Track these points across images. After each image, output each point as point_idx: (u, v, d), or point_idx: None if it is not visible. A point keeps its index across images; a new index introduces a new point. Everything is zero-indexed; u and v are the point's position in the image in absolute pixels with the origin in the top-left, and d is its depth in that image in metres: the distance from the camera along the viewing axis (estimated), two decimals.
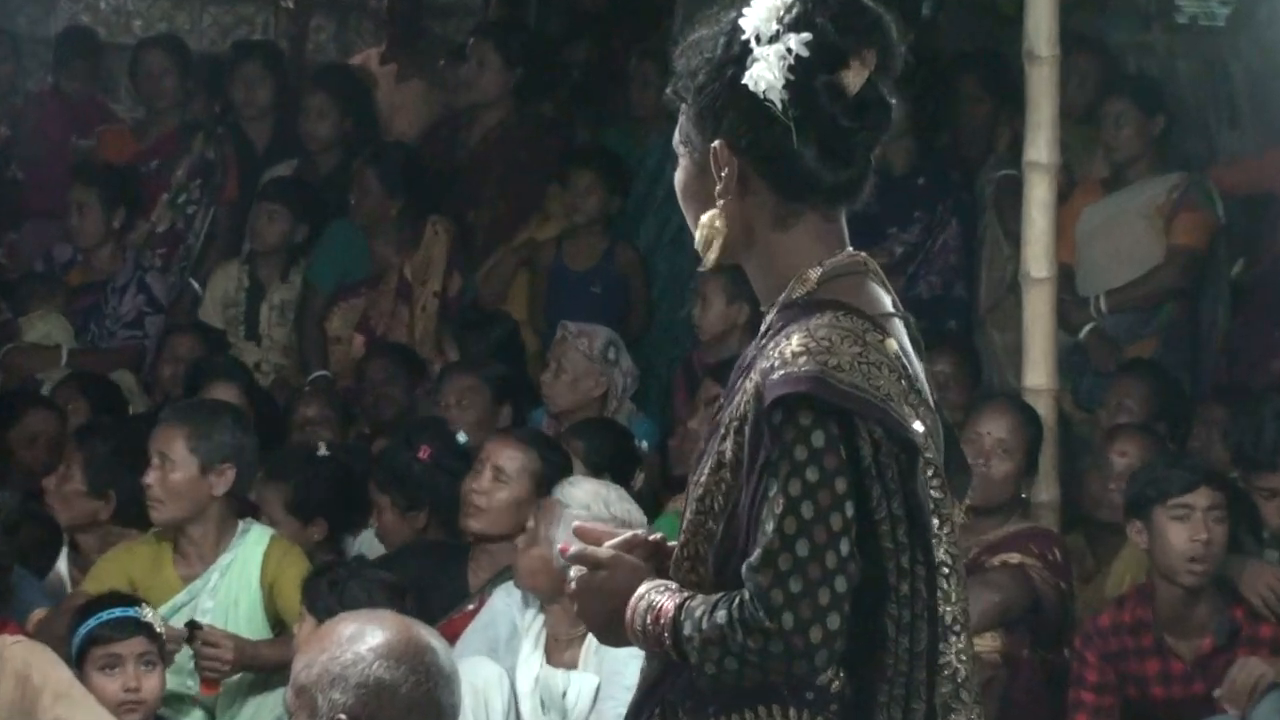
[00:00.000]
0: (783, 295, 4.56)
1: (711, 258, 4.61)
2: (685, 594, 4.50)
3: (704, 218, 4.60)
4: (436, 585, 9.25)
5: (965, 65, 11.83)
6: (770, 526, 4.28)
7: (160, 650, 8.49)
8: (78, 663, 8.23)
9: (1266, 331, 10.94)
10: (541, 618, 8.85)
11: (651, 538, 4.94)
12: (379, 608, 8.19)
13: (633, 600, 4.59)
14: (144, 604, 8.70)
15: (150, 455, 9.20)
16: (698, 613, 4.39)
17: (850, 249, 4.57)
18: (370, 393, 11.22)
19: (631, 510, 8.57)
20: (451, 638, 8.50)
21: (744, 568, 4.33)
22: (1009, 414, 9.39)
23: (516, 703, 8.66)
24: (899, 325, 4.61)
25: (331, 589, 8.43)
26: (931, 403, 4.68)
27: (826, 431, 4.27)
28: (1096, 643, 8.95)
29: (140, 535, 9.51)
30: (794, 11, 4.48)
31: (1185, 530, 8.60)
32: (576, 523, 5.34)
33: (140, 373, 11.43)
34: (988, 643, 9.01)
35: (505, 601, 8.94)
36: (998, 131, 11.00)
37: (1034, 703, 9.02)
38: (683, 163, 4.74)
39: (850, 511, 4.30)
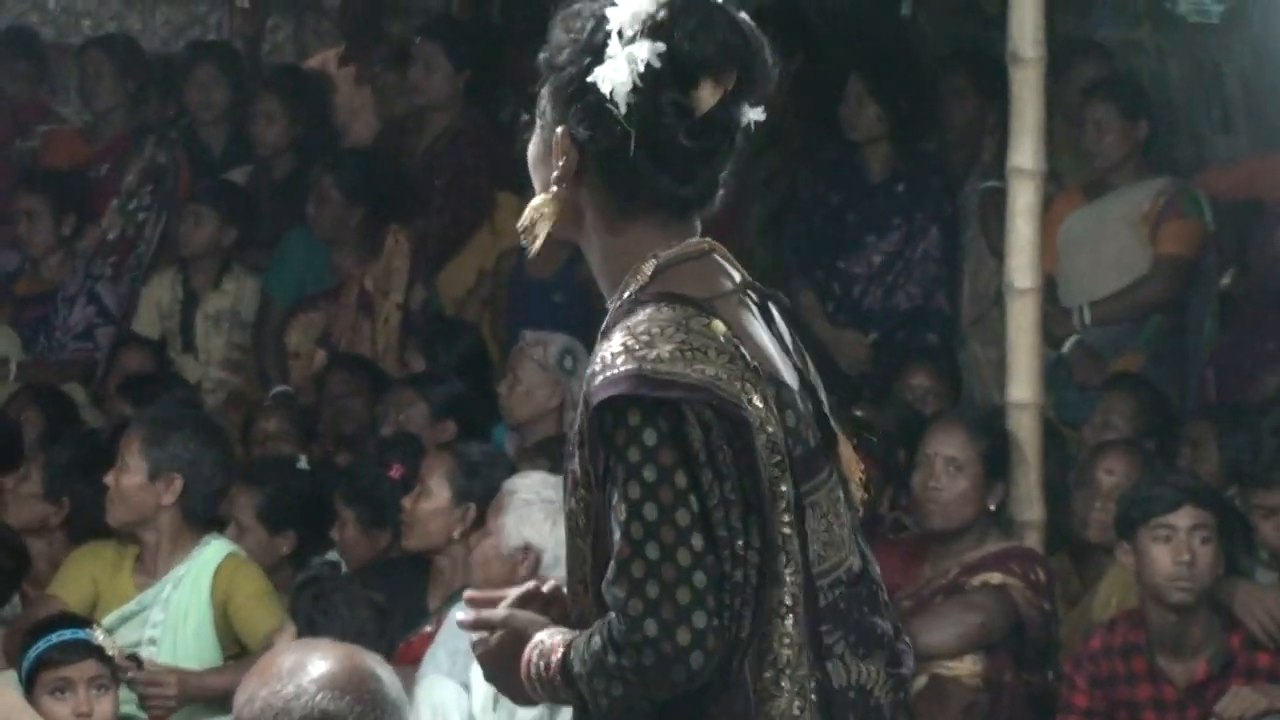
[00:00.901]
0: (619, 294, 4.59)
1: (536, 244, 4.67)
2: (574, 633, 4.52)
3: (534, 200, 4.66)
4: (397, 605, 9.23)
5: (949, 65, 11.74)
6: (618, 535, 4.32)
7: (113, 673, 8.42)
8: (27, 687, 8.20)
9: (1257, 345, 10.90)
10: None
11: (547, 586, 4.98)
12: (361, 623, 8.28)
13: (527, 651, 4.62)
14: (95, 626, 8.62)
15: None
16: (581, 646, 4.42)
17: (690, 240, 4.59)
18: (330, 406, 11.20)
19: None
20: (412, 660, 8.83)
21: (603, 585, 4.39)
22: (956, 430, 9.42)
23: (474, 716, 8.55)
24: (741, 301, 4.63)
25: (315, 602, 8.49)
26: (793, 373, 4.68)
27: (656, 428, 4.30)
28: (1086, 667, 8.90)
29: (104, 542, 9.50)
30: (658, 17, 4.50)
31: (1169, 551, 8.57)
32: (468, 591, 5.43)
33: (91, 385, 11.36)
34: (969, 666, 9.09)
35: (464, 612, 8.82)
36: (984, 140, 10.85)
37: None
38: (536, 135, 4.74)
39: (696, 505, 4.32)
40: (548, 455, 9.14)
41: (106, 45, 13.85)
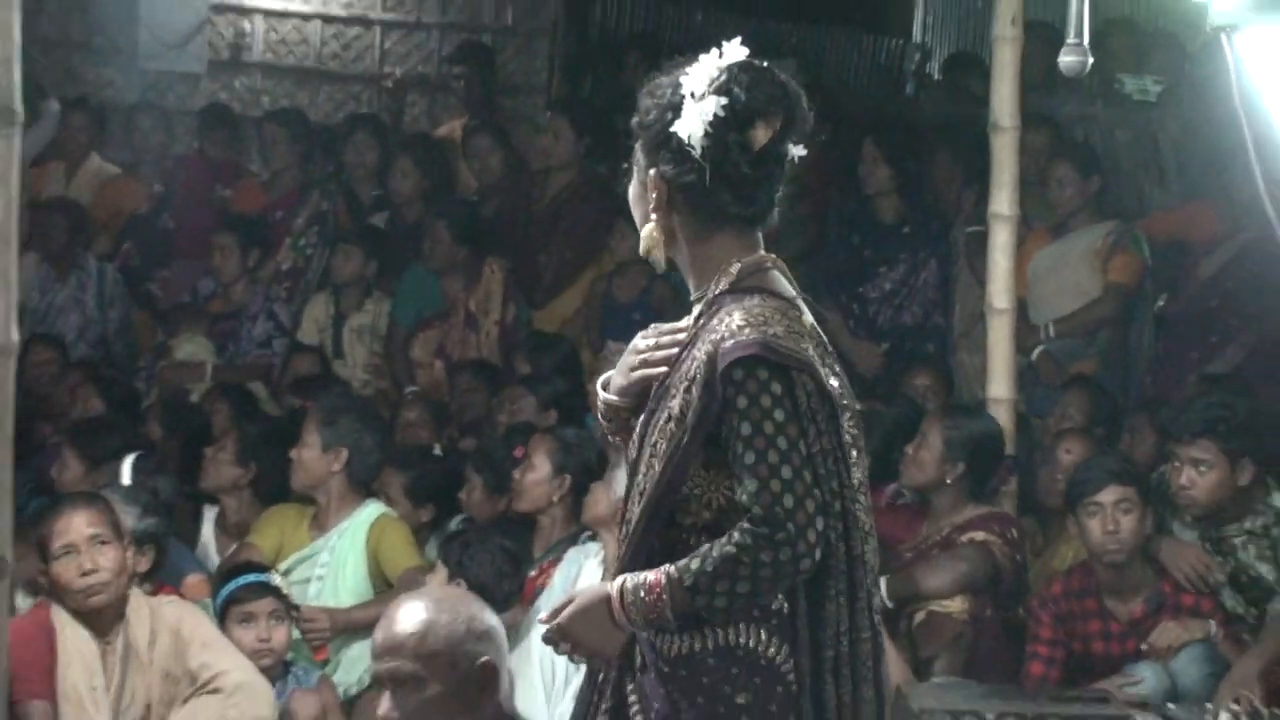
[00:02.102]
0: (709, 288, 4.85)
1: (659, 259, 4.95)
2: (659, 568, 4.62)
3: (645, 229, 4.91)
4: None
5: (942, 136, 11.81)
6: (753, 459, 4.52)
7: (287, 607, 8.56)
8: (220, 618, 8.27)
9: (1185, 354, 11.01)
10: (598, 545, 8.92)
11: None
12: (500, 565, 8.37)
13: (614, 592, 4.68)
14: (274, 570, 8.83)
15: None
16: (694, 564, 4.54)
17: (761, 252, 4.90)
18: (458, 401, 11.27)
19: None
20: (526, 597, 8.84)
21: (742, 497, 4.54)
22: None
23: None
24: (805, 307, 4.88)
25: (464, 549, 8.53)
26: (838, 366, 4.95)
27: (782, 382, 4.55)
28: (1049, 606, 8.97)
29: (291, 505, 9.66)
30: (720, 79, 4.76)
31: (1098, 523, 8.62)
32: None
33: (269, 383, 11.45)
34: (958, 604, 8.99)
35: (575, 551, 9.08)
36: (965, 193, 11.00)
37: (996, 654, 9.01)
38: (634, 178, 5.02)
39: (804, 448, 4.56)
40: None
41: (281, 118, 13.72)
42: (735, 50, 4.85)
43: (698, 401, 4.62)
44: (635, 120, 4.97)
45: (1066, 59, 7.90)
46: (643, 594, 4.59)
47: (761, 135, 4.73)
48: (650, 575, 4.60)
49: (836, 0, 10.77)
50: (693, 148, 4.70)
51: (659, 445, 4.74)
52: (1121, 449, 9.81)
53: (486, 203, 12.52)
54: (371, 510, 9.36)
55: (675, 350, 4.97)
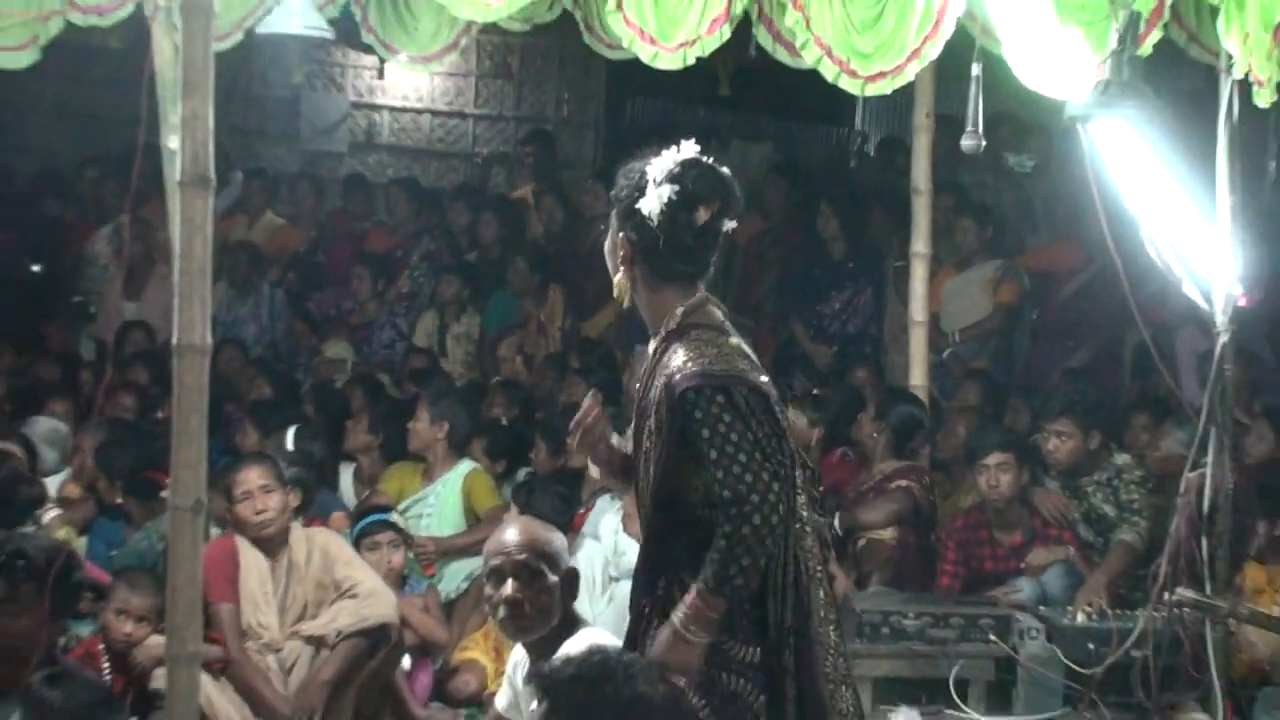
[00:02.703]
0: (661, 329, 4.82)
1: (625, 302, 4.97)
2: (693, 588, 4.58)
3: (616, 278, 4.96)
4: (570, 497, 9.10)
5: (876, 198, 11.77)
6: (715, 455, 4.52)
7: (404, 537, 8.55)
8: (356, 544, 8.23)
9: (1051, 355, 11.02)
10: (620, 501, 8.75)
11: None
12: (556, 505, 8.36)
13: (676, 625, 4.58)
14: (394, 510, 8.86)
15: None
16: (708, 571, 4.53)
17: (701, 293, 4.86)
18: (540, 388, 11.22)
19: None
20: (576, 527, 8.76)
21: (717, 489, 4.52)
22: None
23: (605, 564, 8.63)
24: (732, 330, 4.87)
25: (530, 493, 8.50)
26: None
27: (723, 395, 4.55)
28: (953, 535, 8.95)
29: (408, 461, 9.65)
30: (675, 170, 4.74)
31: (984, 480, 8.71)
32: None
33: (393, 375, 11.43)
34: (889, 534, 9.06)
35: (603, 500, 8.94)
36: (892, 239, 10.97)
37: (915, 570, 9.00)
38: (609, 236, 4.99)
39: (752, 438, 4.53)
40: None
41: (401, 184, 13.73)
42: (689, 148, 4.85)
43: (666, 422, 4.65)
44: (612, 192, 5.01)
45: (966, 142, 7.85)
46: (690, 612, 4.52)
47: (703, 215, 4.73)
48: (688, 598, 4.55)
49: (801, 98, 10.71)
50: (651, 221, 4.70)
51: (649, 452, 4.78)
52: (1005, 424, 9.81)
53: (550, 245, 12.48)
54: (465, 466, 9.38)
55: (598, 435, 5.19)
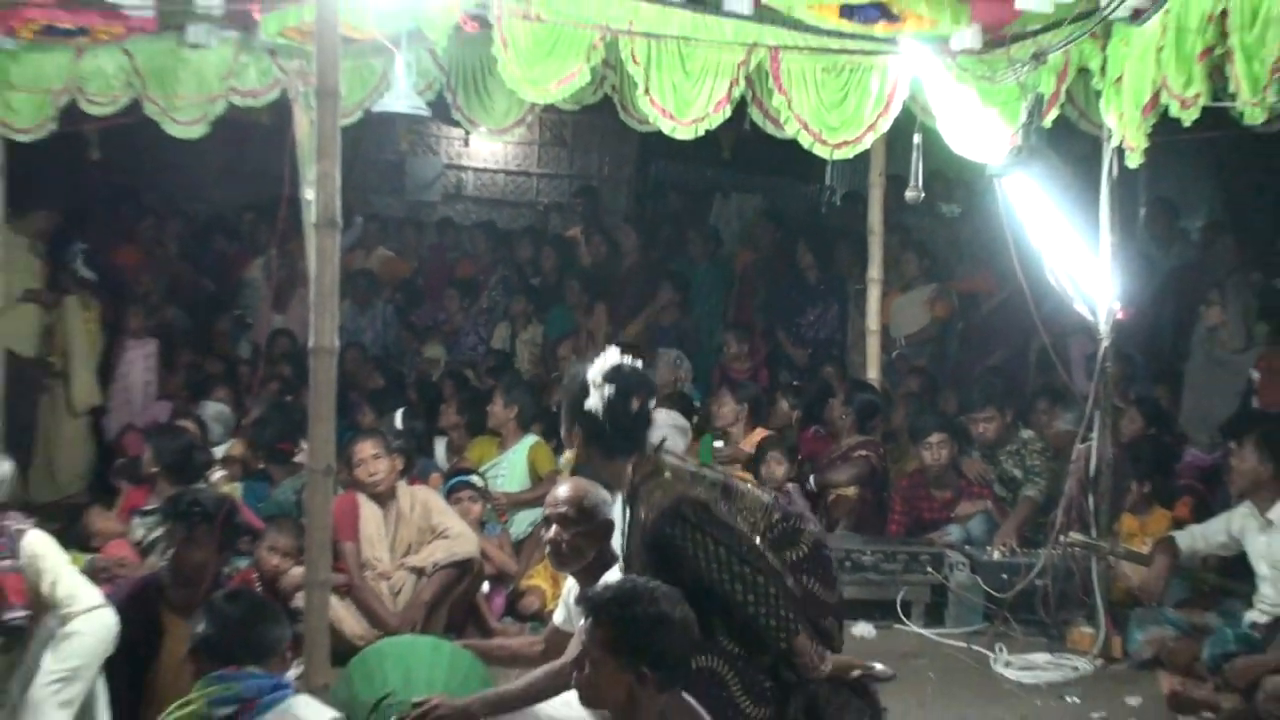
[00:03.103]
0: (621, 493, 4.62)
1: (576, 461, 4.99)
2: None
3: (568, 453, 4.97)
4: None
5: (840, 237, 11.72)
6: (715, 571, 4.31)
7: (483, 494, 8.52)
8: (447, 498, 8.14)
9: (974, 356, 10.98)
10: None
11: None
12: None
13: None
14: (476, 473, 8.80)
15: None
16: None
17: (639, 454, 4.59)
18: None
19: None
20: None
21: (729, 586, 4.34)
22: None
23: None
24: (675, 460, 4.65)
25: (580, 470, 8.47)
26: (715, 474, 4.70)
27: (684, 522, 4.33)
28: (900, 492, 8.98)
29: (487, 435, 9.54)
30: (609, 373, 4.61)
31: (928, 454, 8.79)
32: None
33: (476, 371, 11.41)
34: (852, 491, 9.09)
35: None
36: (853, 268, 10.88)
37: (871, 518, 8.99)
38: (562, 425, 4.84)
39: (725, 546, 4.35)
40: (668, 405, 9.04)
41: (482, 227, 13.69)
42: (614, 354, 4.75)
43: (651, 561, 4.41)
44: (556, 397, 4.95)
45: (909, 194, 7.91)
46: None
47: (636, 404, 4.59)
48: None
49: (784, 161, 10.71)
50: (598, 414, 4.56)
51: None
52: (939, 408, 9.78)
53: (595, 272, 12.40)
54: (530, 439, 9.26)
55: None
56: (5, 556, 5.38)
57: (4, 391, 9.86)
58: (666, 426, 8.46)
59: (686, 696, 3.89)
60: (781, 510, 4.67)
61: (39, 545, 5.49)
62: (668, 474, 4.52)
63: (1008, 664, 7.38)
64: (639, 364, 4.72)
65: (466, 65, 8.48)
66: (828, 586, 4.68)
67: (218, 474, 8.74)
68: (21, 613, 5.37)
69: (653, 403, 4.75)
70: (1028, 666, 7.35)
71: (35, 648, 5.38)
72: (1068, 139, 8.10)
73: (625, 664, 3.76)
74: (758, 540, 4.52)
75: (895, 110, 7.68)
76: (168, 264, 12.77)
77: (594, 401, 4.58)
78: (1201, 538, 7.36)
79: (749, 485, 4.78)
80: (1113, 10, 6.22)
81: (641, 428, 4.65)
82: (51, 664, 5.26)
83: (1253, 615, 6.89)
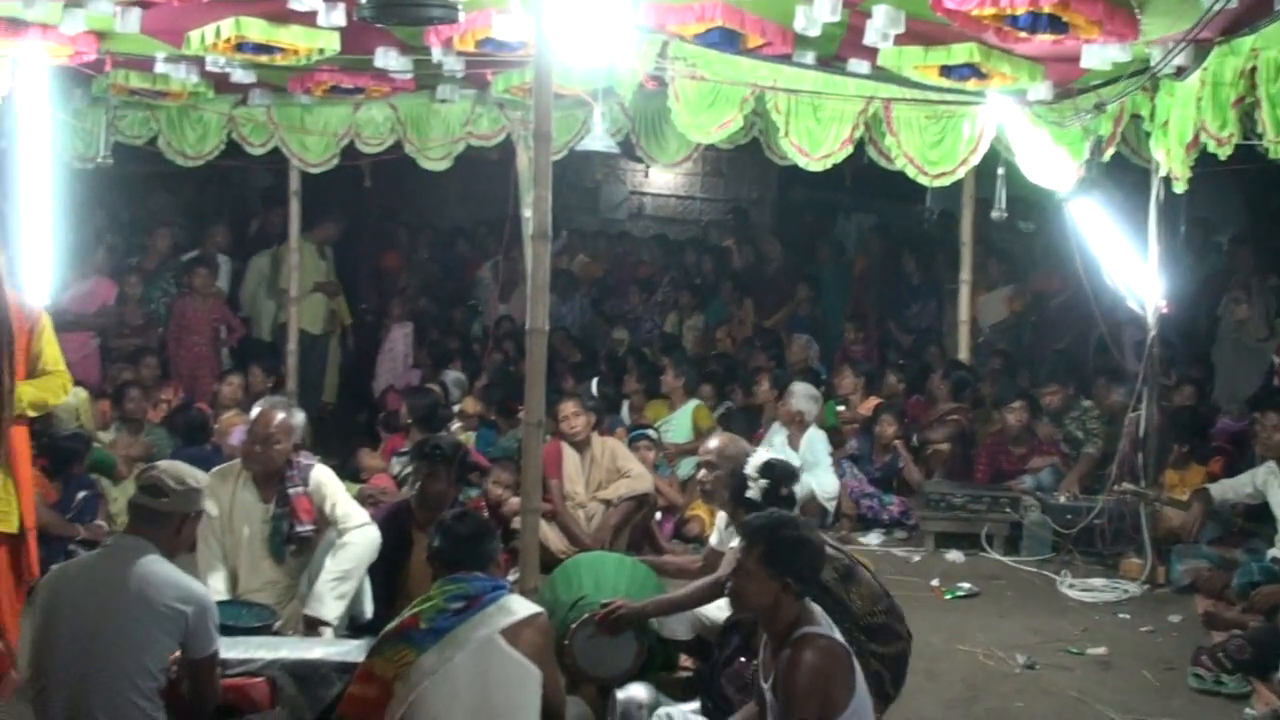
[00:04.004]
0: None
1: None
2: None
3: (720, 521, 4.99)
4: None
5: (938, 248, 11.47)
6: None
7: (657, 444, 8.51)
8: (629, 447, 8.07)
9: (1045, 342, 10.67)
10: (785, 426, 8.48)
11: None
12: (744, 429, 8.12)
13: None
14: (651, 428, 8.74)
15: None
16: None
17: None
18: (740, 357, 10.78)
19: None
20: (757, 439, 8.46)
21: None
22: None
23: None
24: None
25: (728, 420, 8.58)
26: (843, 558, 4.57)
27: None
28: (986, 448, 8.70)
29: (660, 399, 9.43)
30: (762, 469, 4.68)
31: (1010, 417, 8.58)
32: None
33: (652, 350, 11.15)
34: (946, 446, 8.81)
35: (775, 426, 8.61)
36: (947, 272, 10.53)
37: (961, 470, 8.72)
38: (717, 500, 5.01)
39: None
40: (803, 379, 8.88)
41: (658, 239, 13.67)
42: (764, 454, 4.78)
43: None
44: (721, 487, 4.87)
45: (994, 213, 7.83)
46: None
47: (785, 491, 4.68)
48: None
49: (893, 187, 10.47)
50: (756, 500, 4.63)
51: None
52: (1017, 382, 9.51)
53: (745, 274, 12.16)
54: (693, 402, 9.21)
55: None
56: (298, 485, 5.52)
57: (298, 359, 10.16)
58: (804, 396, 8.44)
59: (812, 603, 3.87)
60: (887, 605, 4.59)
61: (323, 476, 5.60)
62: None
63: (1071, 586, 7.27)
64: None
65: (648, 114, 8.52)
66: (894, 686, 4.53)
67: (455, 425, 8.87)
68: (310, 527, 5.51)
69: (796, 486, 4.76)
70: (1087, 589, 7.23)
71: (319, 554, 5.52)
72: (1122, 171, 7.99)
73: (773, 574, 3.76)
74: (860, 622, 4.43)
75: (984, 148, 7.61)
76: (420, 266, 12.98)
77: (754, 492, 4.59)
78: (1231, 489, 7.25)
79: (869, 574, 4.68)
80: (1160, 68, 6.11)
81: (790, 507, 4.60)
82: (331, 566, 5.36)
83: (1274, 552, 6.76)
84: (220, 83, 7.99)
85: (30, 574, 5.11)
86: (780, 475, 4.62)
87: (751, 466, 4.64)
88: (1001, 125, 7.52)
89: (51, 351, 5.17)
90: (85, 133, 8.87)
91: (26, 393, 5.04)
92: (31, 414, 5.16)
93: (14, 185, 6.94)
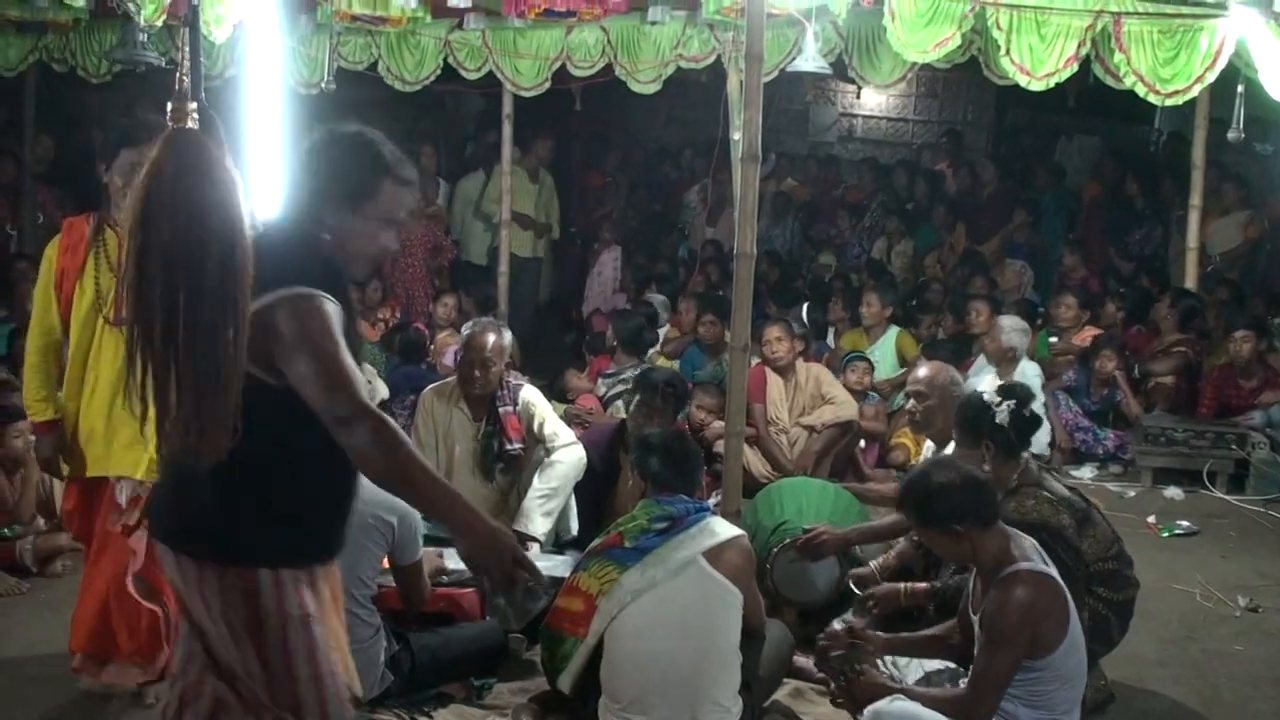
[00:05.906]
0: (1000, 488, 4.22)
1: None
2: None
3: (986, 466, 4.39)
4: None
5: (1164, 170, 10.90)
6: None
7: (869, 369, 8.39)
8: (838, 373, 8.08)
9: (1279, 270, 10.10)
10: (992, 365, 8.28)
11: None
12: (951, 358, 7.85)
13: None
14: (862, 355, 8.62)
15: None
16: None
17: (1019, 461, 4.43)
18: (951, 281, 10.50)
19: None
20: (965, 368, 8.32)
21: None
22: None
23: None
24: (1052, 477, 4.39)
25: (934, 348, 8.23)
26: (1080, 502, 4.42)
27: (1038, 534, 4.00)
28: (1212, 381, 8.32)
29: (860, 328, 9.20)
30: (1002, 391, 4.47)
31: (1234, 347, 8.20)
32: None
33: (858, 275, 11.07)
34: (1170, 379, 8.47)
35: (980, 360, 8.41)
36: (1175, 196, 10.12)
37: (1185, 402, 8.43)
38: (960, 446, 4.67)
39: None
40: (1015, 310, 8.61)
41: (868, 161, 13.35)
42: (992, 379, 4.88)
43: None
44: (958, 419, 4.62)
45: (1231, 134, 7.40)
46: None
47: (1027, 411, 4.44)
48: None
49: (1119, 107, 10.01)
50: (1004, 424, 4.40)
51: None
52: (1246, 311, 9.06)
53: (957, 198, 11.73)
54: (895, 330, 8.98)
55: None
56: (508, 404, 5.65)
57: (509, 281, 10.36)
58: (1013, 330, 8.19)
59: (1021, 536, 3.80)
60: (1117, 551, 4.45)
61: (531, 396, 5.70)
62: (1045, 493, 4.30)
63: None
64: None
65: (861, 33, 8.33)
66: (1120, 632, 4.41)
67: (654, 349, 8.92)
68: (518, 445, 5.63)
69: (1039, 404, 4.61)
70: None
71: (527, 472, 5.64)
72: None
73: (940, 530, 3.76)
74: (1090, 568, 4.30)
75: (1221, 64, 7.17)
76: (628, 189, 13.06)
77: (1002, 416, 4.43)
78: None
79: (1102, 518, 4.52)
80: None
81: (1035, 427, 4.47)
82: (538, 483, 5.48)
83: None
84: (437, 8, 8.19)
85: None
86: (1022, 395, 4.50)
87: (989, 394, 4.52)
88: (1243, 39, 7.08)
89: None
90: (310, 59, 9.22)
91: None
92: None
93: (245, 110, 7.22)
